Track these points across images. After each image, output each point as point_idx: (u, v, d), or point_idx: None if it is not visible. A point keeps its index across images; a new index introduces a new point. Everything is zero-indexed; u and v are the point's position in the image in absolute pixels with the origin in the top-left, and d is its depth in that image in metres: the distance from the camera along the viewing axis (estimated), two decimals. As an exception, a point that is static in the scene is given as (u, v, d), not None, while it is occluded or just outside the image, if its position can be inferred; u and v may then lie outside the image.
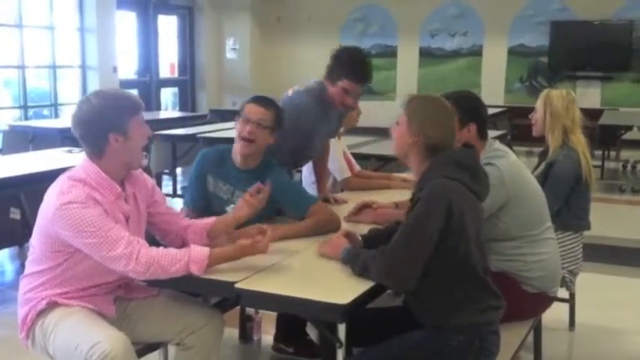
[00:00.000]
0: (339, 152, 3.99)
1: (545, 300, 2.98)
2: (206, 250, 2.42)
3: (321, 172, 3.77)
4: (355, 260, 2.46)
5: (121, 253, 2.31)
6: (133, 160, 2.52)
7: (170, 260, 2.35)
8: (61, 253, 2.44)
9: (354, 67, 3.34)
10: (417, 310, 2.46)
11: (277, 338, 3.50)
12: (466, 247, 2.35)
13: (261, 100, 3.13)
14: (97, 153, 2.46)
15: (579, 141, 3.71)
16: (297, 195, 3.14)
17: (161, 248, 2.40)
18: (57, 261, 2.45)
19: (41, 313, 2.45)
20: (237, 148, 3.08)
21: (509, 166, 2.90)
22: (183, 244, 2.64)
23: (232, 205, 2.99)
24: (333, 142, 3.94)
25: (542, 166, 3.70)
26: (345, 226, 3.07)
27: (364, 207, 3.27)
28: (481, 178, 2.48)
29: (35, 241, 2.50)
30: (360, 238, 2.75)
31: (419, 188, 2.41)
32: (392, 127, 2.54)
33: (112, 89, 2.57)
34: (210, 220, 2.73)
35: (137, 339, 2.54)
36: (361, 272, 2.42)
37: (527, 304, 2.89)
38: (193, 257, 2.38)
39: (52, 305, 2.44)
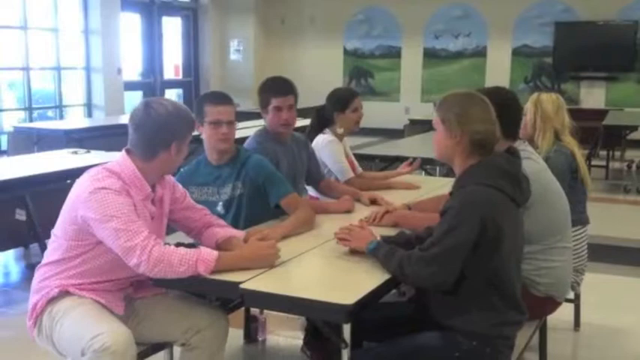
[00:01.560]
0: (341, 154, 3.99)
1: (552, 304, 2.97)
2: (215, 252, 2.44)
3: (336, 191, 3.75)
4: (390, 257, 2.41)
5: (137, 244, 2.34)
6: (172, 170, 2.69)
7: (179, 259, 2.37)
8: (83, 243, 2.48)
9: (273, 82, 3.52)
10: (435, 308, 2.44)
11: (304, 339, 3.49)
12: (500, 261, 2.33)
13: (220, 99, 3.16)
14: (149, 155, 2.52)
15: (571, 141, 3.72)
16: (273, 182, 3.16)
17: (173, 247, 2.42)
18: (77, 251, 2.49)
19: (52, 300, 2.49)
20: (214, 149, 3.18)
21: (535, 168, 2.86)
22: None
23: (221, 204, 3.14)
24: (335, 143, 3.95)
25: None
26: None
27: (385, 212, 3.26)
28: (522, 187, 2.46)
29: (59, 230, 2.53)
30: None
31: (459, 185, 2.40)
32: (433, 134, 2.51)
33: (173, 101, 2.64)
34: (222, 231, 2.76)
35: (142, 337, 2.56)
36: (394, 270, 2.39)
37: (534, 306, 2.88)
38: (202, 257, 2.39)
39: (64, 293, 2.48)
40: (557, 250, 2.88)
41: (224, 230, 2.77)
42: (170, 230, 2.79)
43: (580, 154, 3.70)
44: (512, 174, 2.42)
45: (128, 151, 2.55)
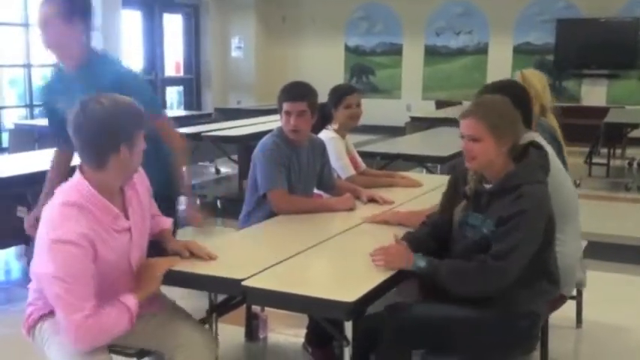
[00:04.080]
0: (342, 151, 3.98)
1: (558, 297, 2.98)
2: (132, 300, 2.30)
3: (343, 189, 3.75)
4: (452, 273, 2.42)
5: (72, 322, 2.17)
6: (133, 172, 2.40)
7: (113, 323, 2.24)
8: None
9: (287, 87, 3.50)
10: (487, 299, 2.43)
11: (305, 336, 3.49)
12: (551, 249, 2.52)
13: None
14: (100, 164, 2.27)
15: (553, 119, 3.74)
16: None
17: (105, 313, 2.23)
18: None
19: (43, 316, 2.42)
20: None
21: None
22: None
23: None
24: (337, 140, 3.95)
25: None
26: (369, 226, 3.12)
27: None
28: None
29: None
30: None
31: (510, 187, 2.41)
32: (467, 144, 2.46)
33: (113, 94, 2.33)
34: (159, 222, 2.71)
35: (128, 345, 2.50)
36: (456, 286, 2.40)
37: None
38: (131, 312, 2.28)
39: (53, 313, 2.33)
40: (565, 243, 2.91)
41: (156, 220, 2.68)
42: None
43: (560, 133, 3.71)
44: (546, 167, 2.56)
45: (81, 169, 2.32)
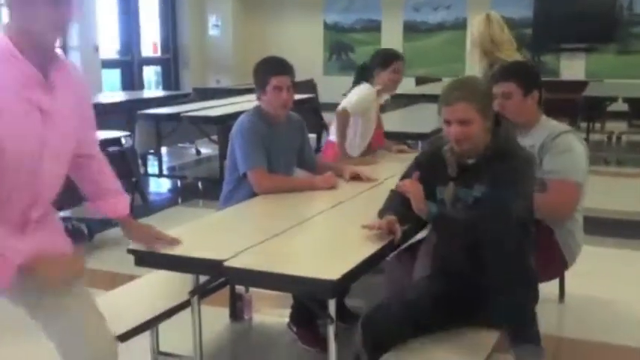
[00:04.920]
0: (368, 103, 4.16)
1: (563, 264, 3.20)
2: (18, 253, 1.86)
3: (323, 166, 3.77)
4: (462, 219, 2.47)
5: None
6: (59, 29, 1.89)
7: None
8: None
9: (273, 62, 3.48)
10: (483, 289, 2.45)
11: (290, 315, 3.49)
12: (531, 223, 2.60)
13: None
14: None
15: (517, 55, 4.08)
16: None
17: None
18: None
19: None
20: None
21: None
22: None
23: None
24: (372, 94, 4.14)
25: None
26: (350, 205, 3.13)
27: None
28: None
29: None
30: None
31: (491, 159, 2.48)
32: (455, 128, 2.47)
33: None
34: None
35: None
36: (468, 229, 2.45)
37: (554, 257, 3.05)
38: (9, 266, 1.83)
39: None
40: (575, 220, 3.18)
41: (112, 203, 2.34)
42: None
43: None
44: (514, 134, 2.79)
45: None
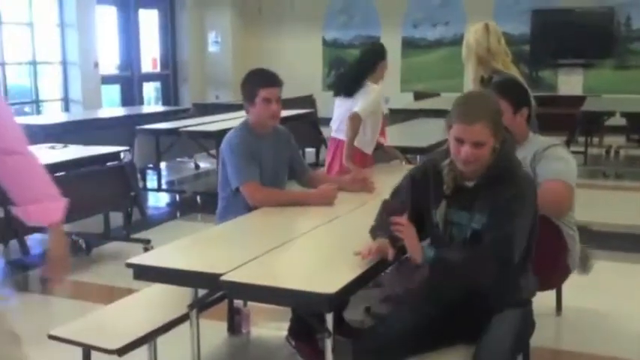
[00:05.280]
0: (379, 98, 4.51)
1: (567, 268, 3.23)
2: None
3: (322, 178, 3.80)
4: (459, 265, 2.36)
5: None
6: None
7: None
8: None
9: (261, 74, 3.48)
10: (504, 293, 2.43)
11: (288, 329, 3.49)
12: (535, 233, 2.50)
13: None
14: None
15: (513, 70, 4.05)
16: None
17: None
18: None
19: None
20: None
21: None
22: None
23: None
24: (379, 93, 4.51)
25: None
26: (347, 219, 3.14)
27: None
28: None
29: None
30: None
31: (492, 181, 2.38)
32: (468, 149, 2.33)
33: None
34: None
35: None
36: (464, 275, 2.36)
37: (559, 259, 3.11)
38: None
39: None
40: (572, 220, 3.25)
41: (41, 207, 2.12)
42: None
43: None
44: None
45: None
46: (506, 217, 2.33)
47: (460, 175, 2.44)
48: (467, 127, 2.31)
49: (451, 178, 2.44)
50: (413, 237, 2.41)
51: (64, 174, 5.17)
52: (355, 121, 4.35)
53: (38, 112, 10.74)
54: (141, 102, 12.64)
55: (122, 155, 6.32)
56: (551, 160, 3.07)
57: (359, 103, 4.39)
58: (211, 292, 2.82)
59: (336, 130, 4.64)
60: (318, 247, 2.79)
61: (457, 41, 12.91)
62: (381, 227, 2.56)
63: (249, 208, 3.31)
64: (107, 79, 11.76)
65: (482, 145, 2.32)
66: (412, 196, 2.59)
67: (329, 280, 2.26)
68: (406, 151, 5.68)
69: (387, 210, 2.61)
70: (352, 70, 4.78)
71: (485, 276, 2.32)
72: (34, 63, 10.68)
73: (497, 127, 2.36)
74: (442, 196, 2.48)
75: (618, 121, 9.07)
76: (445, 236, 2.50)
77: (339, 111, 4.62)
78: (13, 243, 5.13)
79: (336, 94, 4.68)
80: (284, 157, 3.61)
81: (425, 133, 6.09)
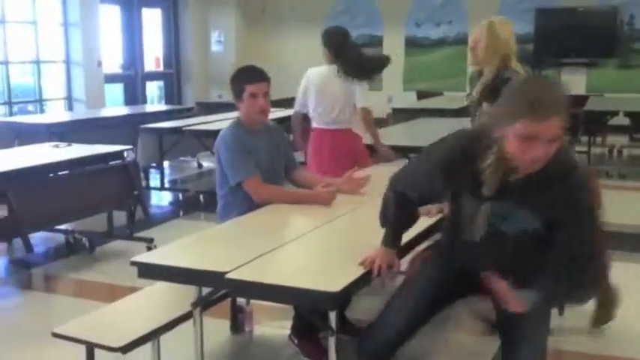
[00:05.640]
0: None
1: None
2: None
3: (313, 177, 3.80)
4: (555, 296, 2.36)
5: None
6: None
7: None
8: None
9: (247, 70, 3.54)
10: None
11: (291, 327, 3.49)
12: None
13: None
14: None
15: (519, 68, 3.86)
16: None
17: None
18: None
19: None
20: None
21: None
22: None
23: None
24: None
25: (493, 82, 3.72)
26: (351, 218, 3.13)
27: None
28: None
29: None
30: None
31: (548, 179, 2.16)
32: (543, 146, 2.04)
33: None
34: None
35: None
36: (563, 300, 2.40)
37: None
38: None
39: None
40: None
41: None
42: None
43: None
44: None
45: None
46: (576, 238, 2.27)
47: (509, 171, 2.15)
48: (541, 123, 1.99)
49: (497, 179, 2.16)
50: (508, 294, 2.25)
51: (68, 173, 5.18)
52: (370, 114, 4.83)
53: (42, 110, 10.75)
54: (144, 101, 12.65)
55: (125, 154, 6.33)
56: None
57: (359, 98, 4.81)
58: (215, 291, 2.83)
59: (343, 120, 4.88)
60: (322, 246, 2.79)
61: (460, 40, 12.93)
62: (391, 222, 2.54)
63: (249, 205, 3.30)
64: (110, 78, 11.77)
65: (555, 141, 2.05)
66: (442, 188, 2.38)
67: (333, 279, 2.27)
68: (409, 151, 5.69)
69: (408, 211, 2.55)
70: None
71: (586, 297, 2.43)
72: (37, 62, 10.69)
73: (566, 117, 2.06)
74: (481, 198, 2.23)
75: (621, 120, 9.06)
76: (474, 226, 2.29)
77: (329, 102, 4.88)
78: (17, 241, 5.15)
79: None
80: (279, 152, 3.61)
81: (428, 132, 6.08)
